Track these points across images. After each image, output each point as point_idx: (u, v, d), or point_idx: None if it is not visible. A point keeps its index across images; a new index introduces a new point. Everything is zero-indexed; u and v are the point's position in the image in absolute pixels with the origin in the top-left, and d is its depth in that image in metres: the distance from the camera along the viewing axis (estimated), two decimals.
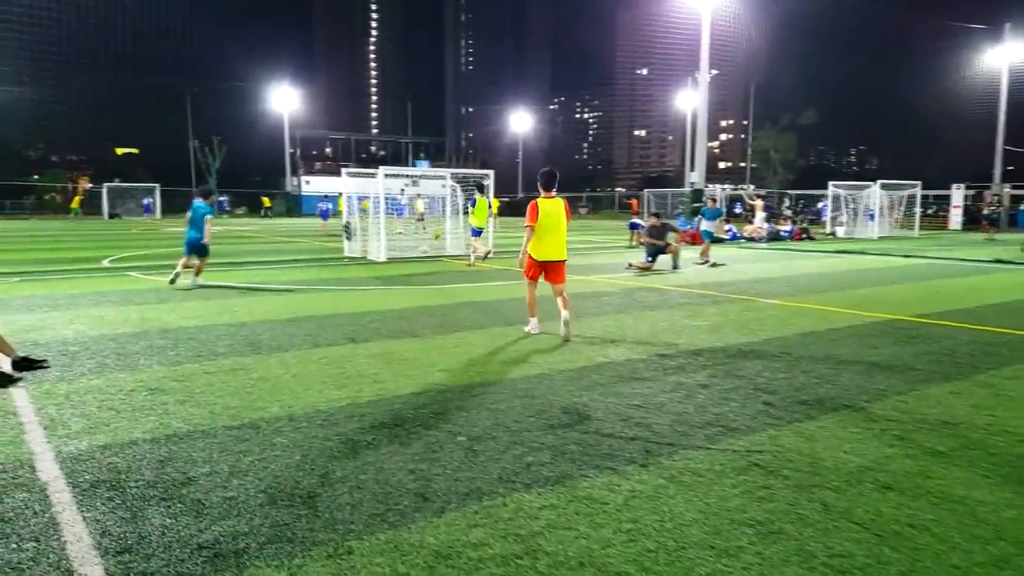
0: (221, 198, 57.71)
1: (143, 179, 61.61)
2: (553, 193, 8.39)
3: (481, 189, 18.79)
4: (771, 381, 6.33)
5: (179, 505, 3.65)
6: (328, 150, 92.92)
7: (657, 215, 18.36)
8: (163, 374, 6.32)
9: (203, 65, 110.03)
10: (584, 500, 3.78)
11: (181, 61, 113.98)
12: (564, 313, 8.24)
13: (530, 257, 8.35)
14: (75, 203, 49.83)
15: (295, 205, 60.90)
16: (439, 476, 4.07)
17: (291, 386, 5.97)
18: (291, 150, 64.02)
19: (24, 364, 6.20)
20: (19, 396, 5.64)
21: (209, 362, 6.79)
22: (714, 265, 17.70)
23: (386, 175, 19.69)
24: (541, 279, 8.46)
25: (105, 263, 17.33)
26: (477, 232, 18.17)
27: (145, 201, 54.12)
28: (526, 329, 8.53)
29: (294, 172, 64.12)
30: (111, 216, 50.17)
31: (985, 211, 36.08)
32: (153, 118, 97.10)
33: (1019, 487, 4.04)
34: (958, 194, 39.91)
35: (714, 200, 21.23)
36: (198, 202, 12.90)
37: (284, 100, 62.68)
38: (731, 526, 3.52)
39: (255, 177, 77.30)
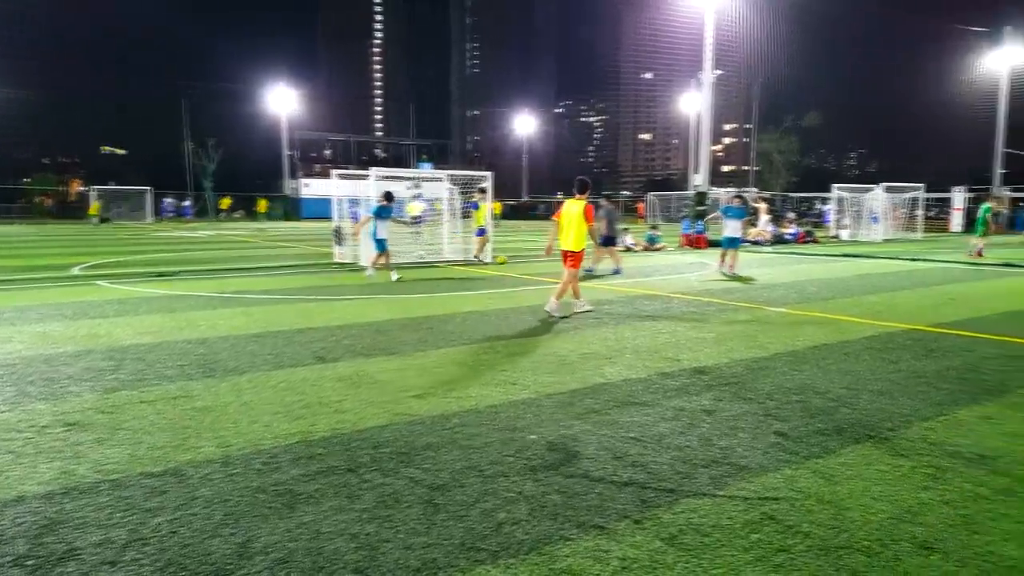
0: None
1: (135, 182, 60.77)
2: (580, 196, 10.17)
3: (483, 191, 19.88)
4: (783, 405, 5.65)
5: None
6: (328, 152, 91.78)
7: (608, 197, 17.08)
8: (91, 404, 5.57)
9: (201, 65, 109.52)
10: (562, 575, 3.08)
11: (178, 61, 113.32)
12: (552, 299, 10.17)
13: (561, 248, 10.22)
14: (94, 209, 48.82)
15: (293, 209, 60.16)
16: (388, 543, 3.34)
17: (236, 418, 5.24)
18: (289, 152, 63.28)
19: None
20: None
21: (151, 388, 6.05)
22: (737, 278, 15.15)
23: (379, 177, 18.98)
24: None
25: (75, 271, 16.51)
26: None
27: (164, 201, 53.58)
28: (584, 310, 10.33)
29: (292, 175, 63.36)
30: (102, 220, 49.40)
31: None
32: (148, 119, 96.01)
33: None
34: (959, 196, 39.39)
35: (741, 198, 18.17)
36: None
37: (282, 101, 61.91)
38: None
39: (255, 180, 76.62)
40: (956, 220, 38.87)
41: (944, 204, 41.05)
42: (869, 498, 3.90)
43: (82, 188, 53.34)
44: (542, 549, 3.30)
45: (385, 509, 3.71)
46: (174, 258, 20.37)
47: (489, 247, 19.38)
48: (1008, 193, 40.52)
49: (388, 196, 15.40)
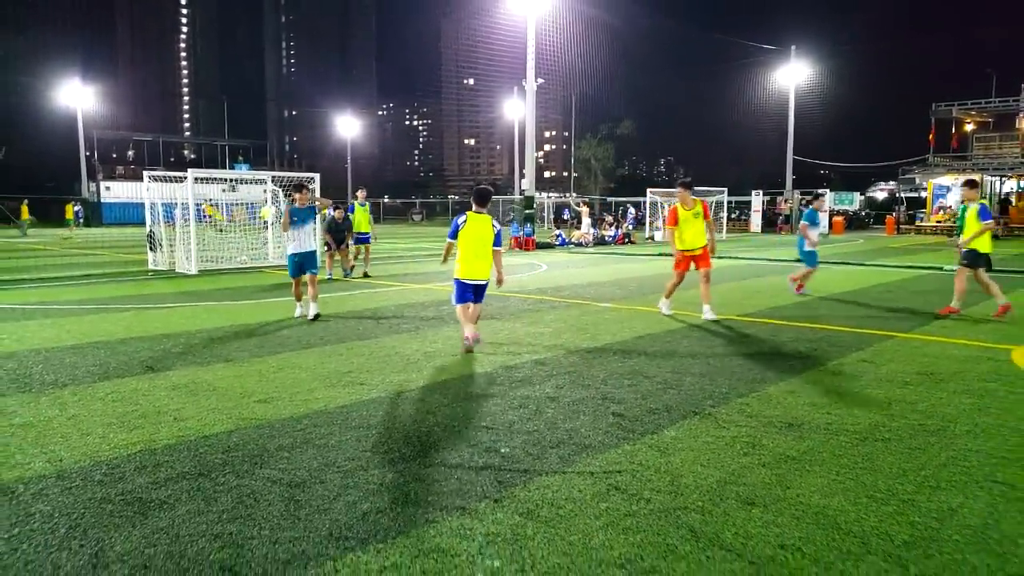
0: None
1: None
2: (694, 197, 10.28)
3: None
4: (617, 389, 6.11)
5: None
6: (131, 153, 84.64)
7: (335, 207, 15.47)
8: None
9: None
10: (432, 553, 3.21)
11: None
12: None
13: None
14: (24, 214, 41.37)
15: (94, 214, 55.19)
16: (253, 540, 3.31)
17: (66, 432, 4.88)
18: (87, 153, 57.94)
19: None
20: None
21: None
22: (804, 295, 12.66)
23: (196, 179, 18.01)
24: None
25: None
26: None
27: (76, 209, 46.06)
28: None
29: (92, 177, 58.07)
30: None
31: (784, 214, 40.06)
32: None
33: (872, 491, 3.94)
34: (757, 199, 43.32)
35: (820, 198, 15.43)
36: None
37: (77, 98, 56.51)
38: (600, 570, 3.09)
39: (48, 183, 69.47)
40: (756, 221, 42.70)
41: (745, 206, 44.92)
42: (699, 466, 4.34)
43: None
44: (409, 532, 3.41)
45: (245, 509, 3.65)
46: None
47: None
48: (799, 196, 45.15)
49: (299, 188, 10.57)
